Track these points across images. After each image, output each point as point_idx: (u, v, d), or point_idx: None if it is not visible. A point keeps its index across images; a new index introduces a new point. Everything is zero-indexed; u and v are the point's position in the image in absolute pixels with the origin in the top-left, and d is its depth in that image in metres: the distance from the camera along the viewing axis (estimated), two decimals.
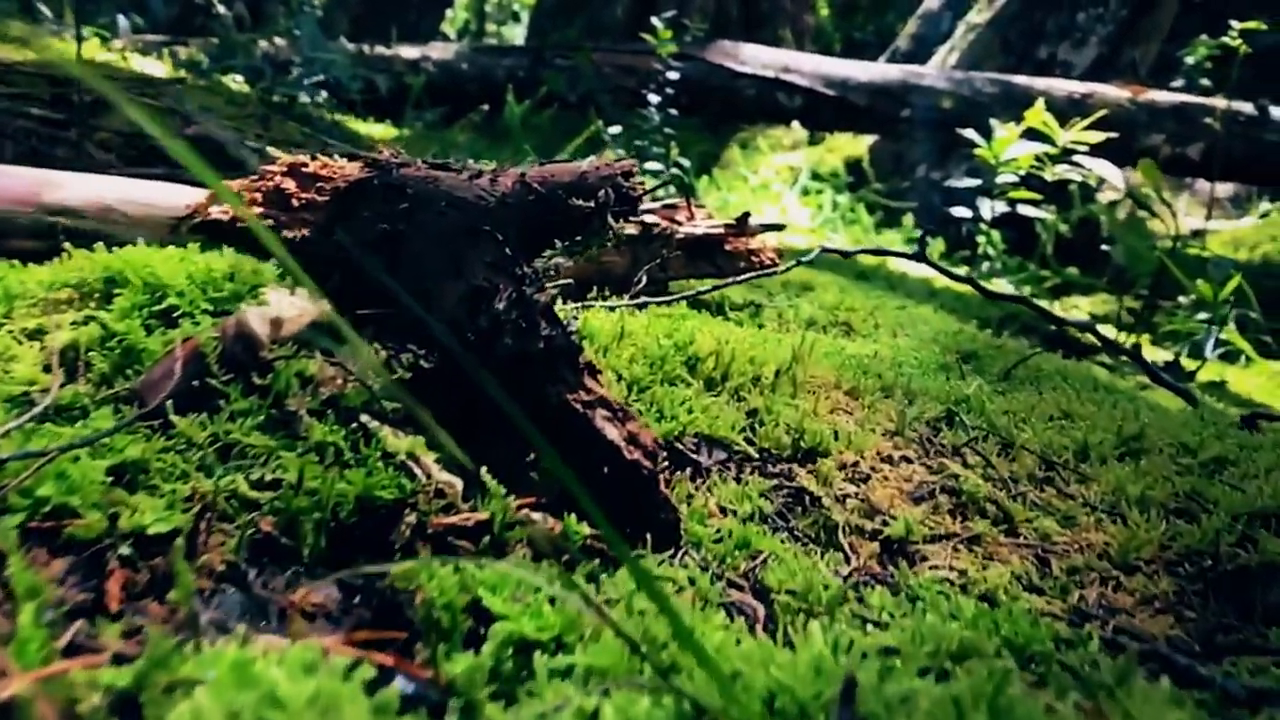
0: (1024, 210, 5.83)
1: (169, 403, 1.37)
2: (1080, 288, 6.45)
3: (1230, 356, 5.41)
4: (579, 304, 2.03)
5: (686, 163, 5.78)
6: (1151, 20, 7.95)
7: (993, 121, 5.92)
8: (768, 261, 2.78)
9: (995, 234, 6.17)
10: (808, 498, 1.55)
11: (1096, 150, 5.65)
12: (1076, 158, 5.73)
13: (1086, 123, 5.69)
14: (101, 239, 1.94)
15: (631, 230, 2.50)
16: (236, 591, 1.13)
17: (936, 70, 7.04)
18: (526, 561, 1.20)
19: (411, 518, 1.26)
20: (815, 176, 6.85)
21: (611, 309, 2.00)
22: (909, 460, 1.74)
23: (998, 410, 1.93)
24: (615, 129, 6.01)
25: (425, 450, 1.35)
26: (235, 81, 5.51)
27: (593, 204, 1.48)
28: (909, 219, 6.48)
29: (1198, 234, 7.21)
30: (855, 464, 1.66)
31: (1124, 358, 2.44)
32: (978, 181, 5.96)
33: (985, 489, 1.62)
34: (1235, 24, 6.05)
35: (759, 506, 1.48)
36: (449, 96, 7.24)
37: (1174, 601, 1.37)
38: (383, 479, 1.28)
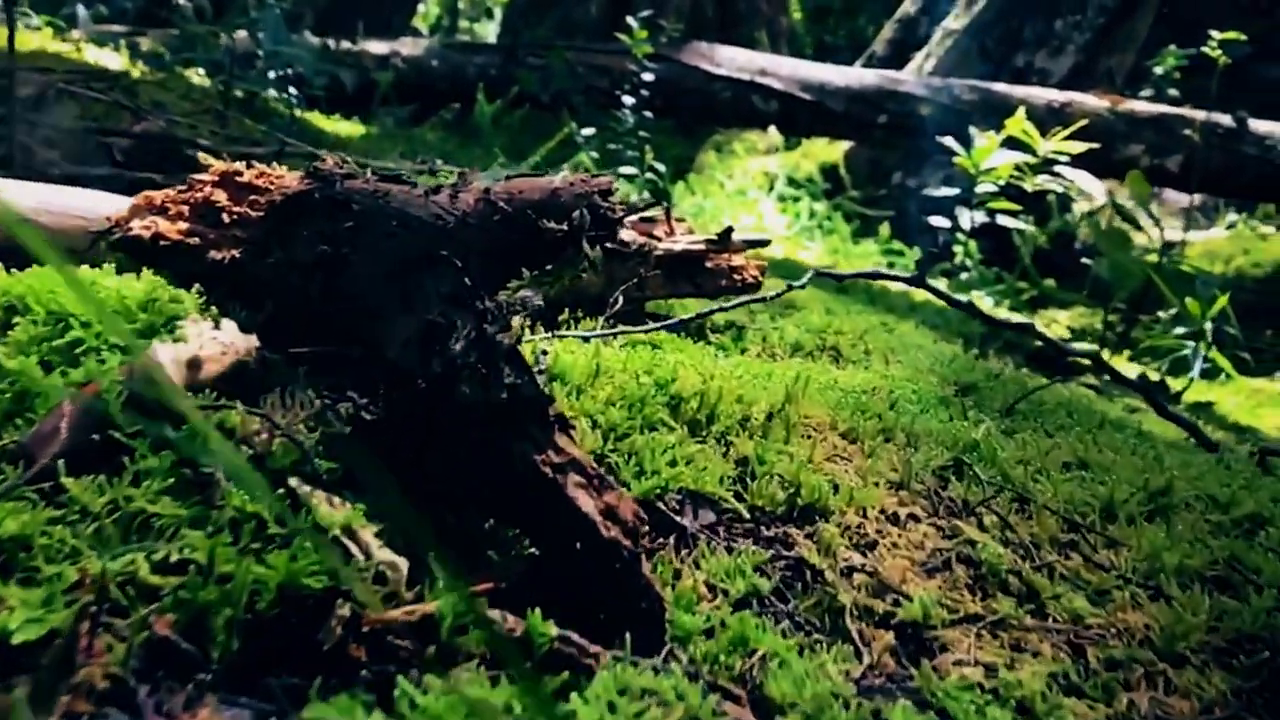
0: (1003, 221, 5.67)
1: (61, 461, 1.14)
2: (1058, 301, 6.29)
3: (1209, 373, 5.26)
4: (549, 334, 1.81)
5: (662, 168, 5.56)
6: (1128, 29, 7.81)
7: (972, 130, 5.75)
8: (750, 279, 2.56)
9: (972, 244, 6.00)
10: (809, 571, 1.33)
11: (1076, 160, 5.50)
12: (1057, 168, 5.58)
13: (1067, 132, 5.52)
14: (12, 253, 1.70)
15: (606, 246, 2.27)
16: (122, 717, 0.90)
17: (915, 77, 6.86)
18: (480, 676, 0.98)
19: (345, 609, 1.03)
20: (792, 183, 6.66)
21: (585, 339, 1.78)
22: (917, 519, 1.53)
23: (1010, 458, 1.72)
24: (589, 130, 5.78)
25: (364, 522, 1.13)
26: (198, 75, 5.24)
27: (566, 227, 1.26)
28: (886, 228, 6.30)
29: (1171, 245, 7.08)
30: (859, 527, 1.45)
31: (1130, 389, 2.25)
32: (956, 190, 5.78)
33: (1006, 558, 1.42)
34: (1215, 34, 5.89)
35: (754, 585, 1.26)
36: (419, 94, 6.97)
37: (1237, 708, 1.16)
38: (311, 562, 1.05)
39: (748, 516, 1.44)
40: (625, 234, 2.32)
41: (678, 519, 1.39)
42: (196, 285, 1.45)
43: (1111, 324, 6.32)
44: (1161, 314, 5.40)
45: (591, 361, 1.60)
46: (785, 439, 1.65)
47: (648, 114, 6.09)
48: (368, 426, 1.21)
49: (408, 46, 7.15)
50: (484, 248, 1.29)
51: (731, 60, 6.62)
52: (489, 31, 13.14)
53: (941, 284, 5.66)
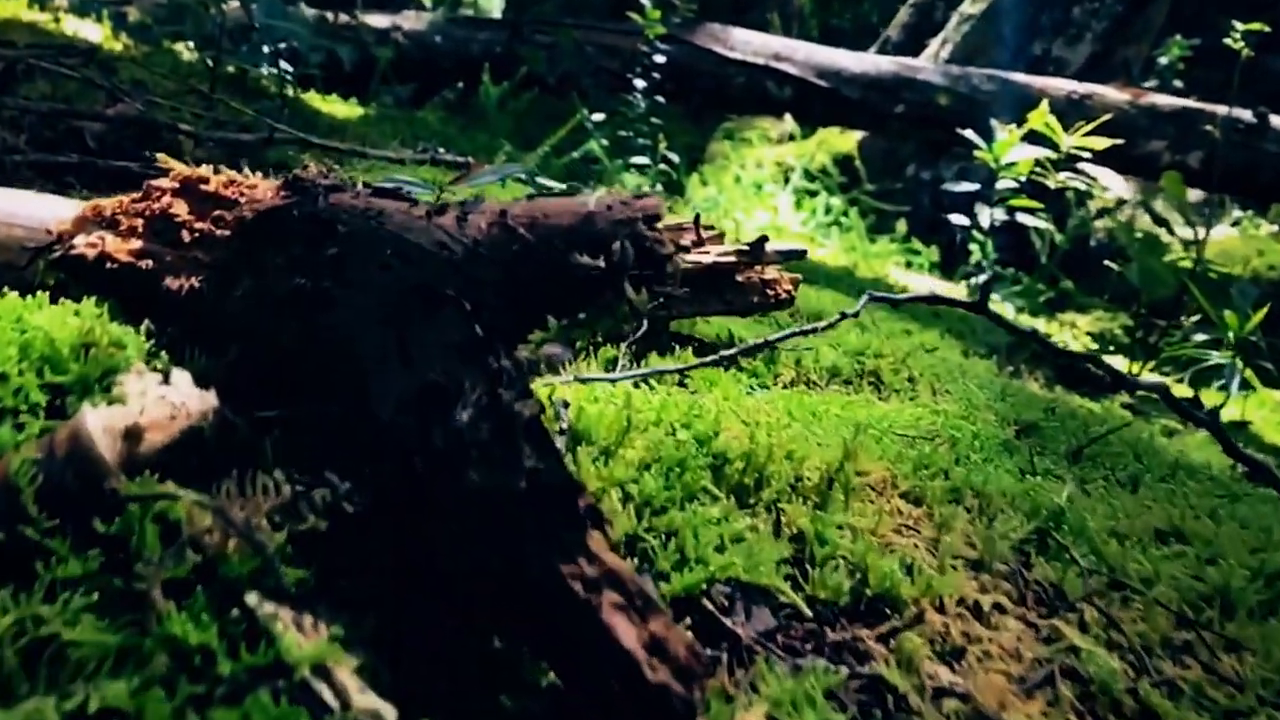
0: (1024, 219, 5.40)
1: None
2: (1077, 304, 6.03)
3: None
4: (568, 377, 1.54)
5: (675, 157, 5.28)
6: (1145, 18, 7.53)
7: (993, 122, 5.47)
8: (784, 294, 2.30)
9: (989, 243, 5.73)
10: (890, 695, 1.08)
11: (1097, 156, 5.23)
12: (1080, 164, 5.31)
13: (1090, 127, 5.26)
14: None
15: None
16: None
17: (932, 64, 6.57)
18: None
19: None
20: (808, 175, 6.37)
21: (612, 381, 1.52)
22: (1002, 610, 1.28)
23: (1100, 529, 1.47)
24: (599, 115, 5.49)
25: (342, 656, 0.87)
26: (188, 49, 4.94)
27: (603, 263, 0.99)
28: (902, 224, 6.03)
29: (1186, 244, 6.81)
30: (942, 630, 1.19)
31: (1199, 424, 1.99)
32: (975, 186, 5.51)
33: (1117, 671, 1.16)
34: (1238, 25, 5.60)
35: None
36: (420, 72, 6.66)
37: None
38: (270, 717, 0.79)
39: (809, 613, 1.19)
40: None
41: (728, 622, 1.13)
42: (146, 321, 1.18)
43: (1132, 329, 6.07)
44: (1185, 320, 5.15)
45: (621, 414, 1.34)
46: (844, 503, 1.39)
47: (659, 99, 5.81)
48: (350, 521, 0.95)
49: (410, 21, 6.84)
50: (499, 286, 1.03)
51: (746, 44, 6.33)
52: (494, 5, 12.80)
53: (961, 288, 5.40)
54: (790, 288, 2.31)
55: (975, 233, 5.64)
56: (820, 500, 1.39)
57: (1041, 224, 5.40)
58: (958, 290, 5.30)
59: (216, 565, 0.91)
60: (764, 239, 2.22)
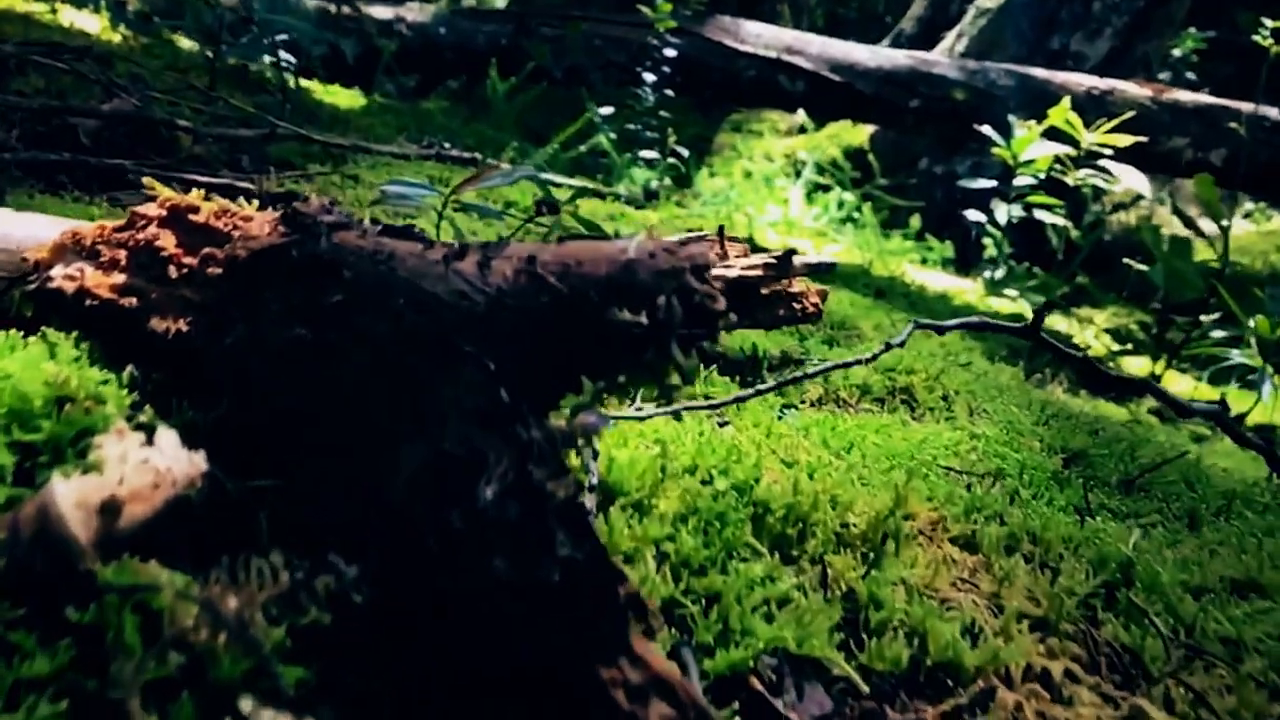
0: (1042, 216, 5.27)
1: None
2: (1092, 299, 5.90)
3: (1249, 384, 4.85)
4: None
5: (685, 152, 5.15)
6: (1167, 11, 7.37)
7: (1012, 119, 5.34)
8: (810, 308, 2.17)
9: (1003, 239, 5.58)
10: None
11: (1118, 153, 5.10)
12: (1101, 162, 5.17)
13: (1112, 124, 5.12)
14: None
15: None
16: None
17: (949, 59, 6.42)
18: None
19: None
20: (820, 169, 6.23)
21: (641, 417, 1.39)
22: (1074, 679, 1.16)
23: (1172, 582, 1.34)
24: (607, 110, 5.35)
25: None
26: (192, 40, 4.80)
27: (646, 319, 0.87)
28: (916, 220, 5.89)
29: (1211, 241, 6.66)
30: (1014, 711, 1.07)
31: (1258, 452, 1.87)
32: (992, 183, 5.37)
33: None
34: (1267, 21, 5.45)
35: None
36: (424, 64, 6.51)
37: None
38: None
39: (865, 689, 1.06)
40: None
41: (779, 704, 1.01)
42: (129, 368, 1.06)
43: (1149, 325, 5.93)
44: (1204, 318, 5.01)
45: (655, 462, 1.21)
46: (895, 553, 1.27)
47: (669, 92, 5.68)
48: (357, 613, 0.82)
49: (414, 12, 6.69)
50: (527, 344, 0.90)
51: (757, 37, 6.17)
52: None
53: (979, 286, 5.26)
54: (818, 300, 2.19)
55: (990, 228, 5.51)
56: (869, 551, 1.26)
57: (1059, 220, 5.27)
58: (975, 288, 5.17)
59: (205, 665, 0.79)
60: (791, 252, 2.09)
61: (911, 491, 1.38)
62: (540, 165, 2.73)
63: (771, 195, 5.54)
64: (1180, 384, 4.18)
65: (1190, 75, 9.98)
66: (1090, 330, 4.65)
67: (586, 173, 5.19)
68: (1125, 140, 4.99)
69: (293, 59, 4.48)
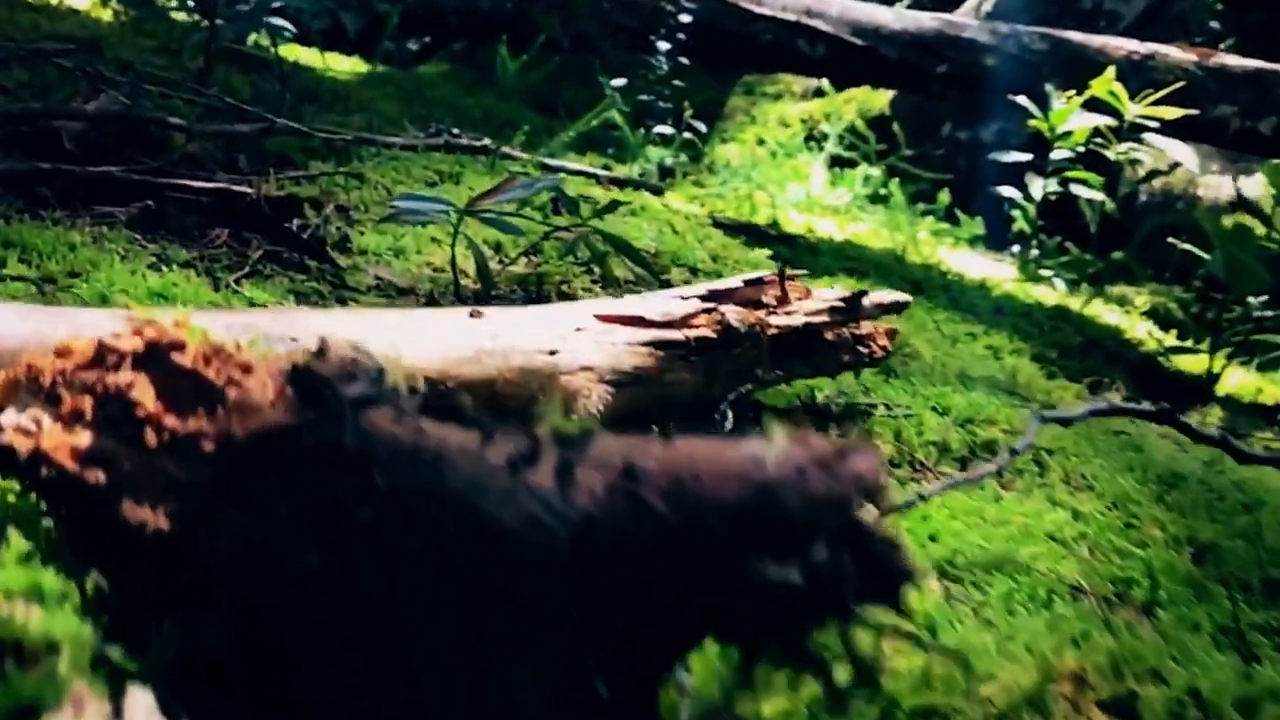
0: (1079, 191, 5.00)
1: None
2: (1126, 275, 5.63)
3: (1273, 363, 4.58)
4: None
5: (703, 127, 4.87)
6: None
7: (1049, 88, 5.05)
8: (879, 350, 1.93)
9: (1032, 210, 5.30)
10: None
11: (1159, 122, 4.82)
12: (1146, 135, 4.88)
13: (1158, 95, 4.83)
14: None
15: (704, 331, 1.64)
16: None
17: (978, 21, 6.09)
18: None
19: None
20: (841, 141, 5.93)
21: None
22: None
23: None
24: (619, 81, 5.05)
25: None
26: (188, 14, 4.47)
27: (801, 577, 0.62)
28: (944, 195, 5.61)
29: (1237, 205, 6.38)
30: None
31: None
32: (1025, 156, 5.09)
33: None
34: None
35: None
36: (427, 28, 6.21)
37: None
38: None
39: None
40: (730, 313, 1.68)
41: None
42: (94, 575, 0.82)
43: (1187, 302, 5.67)
44: (1252, 299, 4.74)
45: None
46: None
47: (683, 60, 5.37)
48: None
49: None
50: (627, 589, 0.66)
51: None
52: None
53: (1013, 267, 5.00)
54: (887, 343, 1.95)
55: (1022, 202, 5.24)
56: None
57: (1098, 196, 4.99)
58: (1011, 271, 4.90)
59: None
60: (862, 293, 1.85)
61: (1046, 639, 1.15)
62: (557, 185, 2.46)
63: (793, 172, 5.26)
64: (1235, 377, 3.94)
65: (1214, 24, 9.60)
66: (1143, 326, 4.38)
67: (598, 148, 4.91)
68: (1173, 113, 4.71)
69: (291, 28, 4.17)
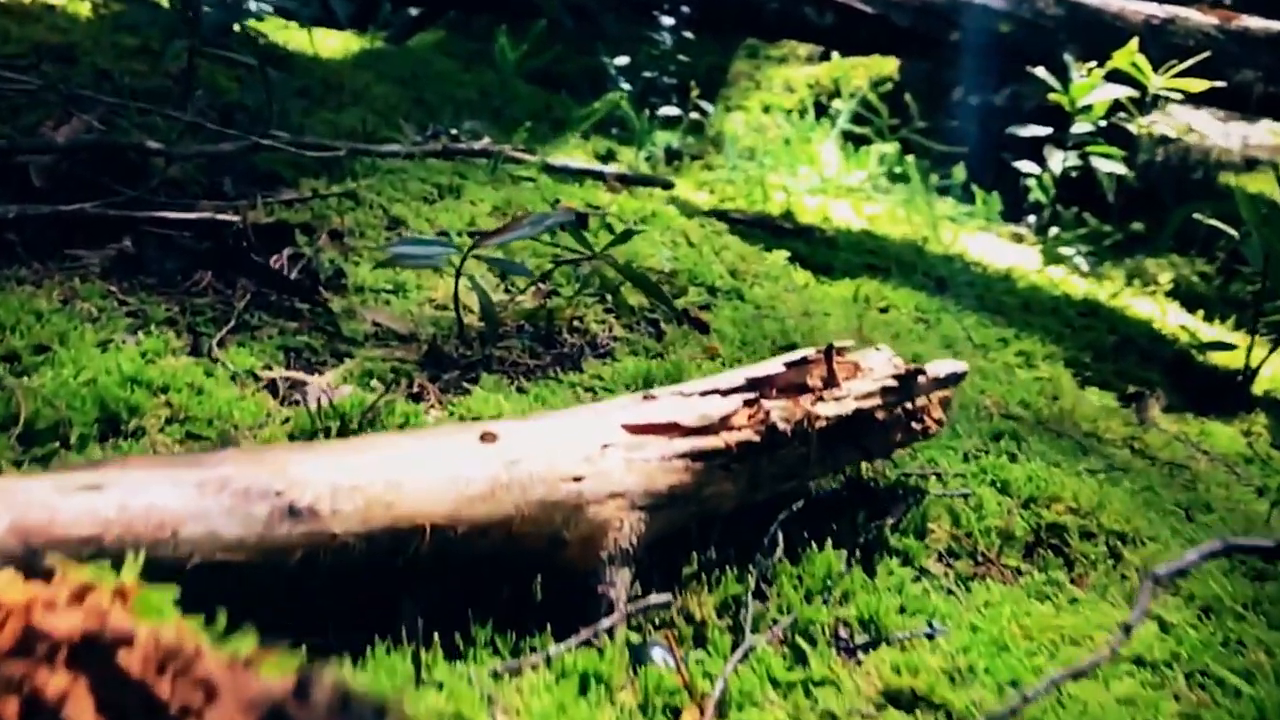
0: (1099, 164, 4.74)
1: None
2: (1144, 246, 5.40)
3: None
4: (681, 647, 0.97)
5: (710, 107, 4.60)
6: None
7: (1066, 56, 4.78)
8: (932, 424, 1.72)
9: (1049, 182, 5.05)
10: None
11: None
12: (1171, 108, 4.64)
13: (1182, 66, 4.56)
14: None
15: (745, 434, 1.43)
16: None
17: None
18: None
19: None
20: (852, 116, 5.65)
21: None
22: None
23: None
24: (622, 60, 4.77)
25: None
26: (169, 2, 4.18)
27: None
28: (960, 171, 5.35)
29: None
30: None
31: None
32: (1044, 129, 4.82)
33: None
34: None
35: None
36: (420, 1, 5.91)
37: None
38: None
39: None
40: (774, 410, 1.46)
41: None
42: None
43: (1209, 275, 5.45)
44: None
45: None
46: None
47: (688, 34, 5.09)
48: None
49: None
50: None
51: None
52: None
53: (1034, 250, 4.76)
54: (940, 415, 1.74)
55: (1040, 174, 4.99)
56: None
57: (1120, 169, 4.74)
58: (1028, 247, 4.67)
59: None
60: (918, 371, 1.63)
61: None
62: (569, 220, 2.23)
63: (804, 153, 4.98)
64: (1269, 368, 3.73)
65: None
66: (1175, 316, 4.16)
67: (603, 130, 4.65)
68: (1200, 85, 4.45)
69: (268, 8, 3.88)
